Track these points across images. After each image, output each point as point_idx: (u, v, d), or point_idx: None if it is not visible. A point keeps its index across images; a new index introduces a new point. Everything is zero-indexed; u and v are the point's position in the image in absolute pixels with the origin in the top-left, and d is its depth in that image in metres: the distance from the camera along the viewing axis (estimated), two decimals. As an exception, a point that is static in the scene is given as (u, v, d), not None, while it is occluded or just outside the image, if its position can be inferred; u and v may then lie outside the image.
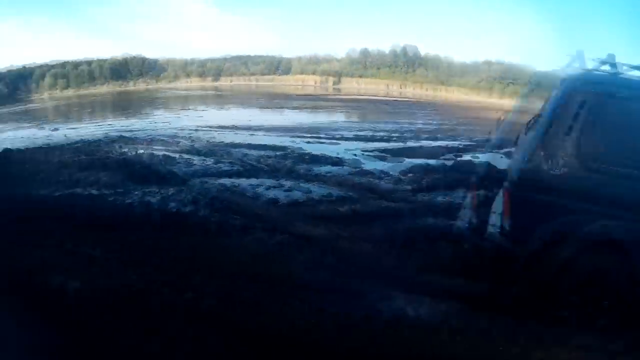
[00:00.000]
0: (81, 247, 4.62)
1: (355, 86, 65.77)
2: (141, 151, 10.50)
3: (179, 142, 12.22)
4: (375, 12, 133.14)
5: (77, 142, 12.31)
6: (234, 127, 15.62)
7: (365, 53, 72.28)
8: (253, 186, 7.65)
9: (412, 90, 58.33)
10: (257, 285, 3.87)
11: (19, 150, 10.35)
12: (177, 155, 10.12)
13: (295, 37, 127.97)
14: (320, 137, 13.82)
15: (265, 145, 11.92)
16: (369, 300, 3.67)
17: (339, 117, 21.80)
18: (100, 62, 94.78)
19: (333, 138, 13.83)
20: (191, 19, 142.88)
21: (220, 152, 10.76)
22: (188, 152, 10.80)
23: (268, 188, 7.56)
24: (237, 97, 43.09)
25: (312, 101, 30.74)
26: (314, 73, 74.62)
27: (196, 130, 14.76)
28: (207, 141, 12.35)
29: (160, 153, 10.31)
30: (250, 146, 11.73)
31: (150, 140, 12.54)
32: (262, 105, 28.29)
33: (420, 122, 19.84)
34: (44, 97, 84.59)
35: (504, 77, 51.29)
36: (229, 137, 13.18)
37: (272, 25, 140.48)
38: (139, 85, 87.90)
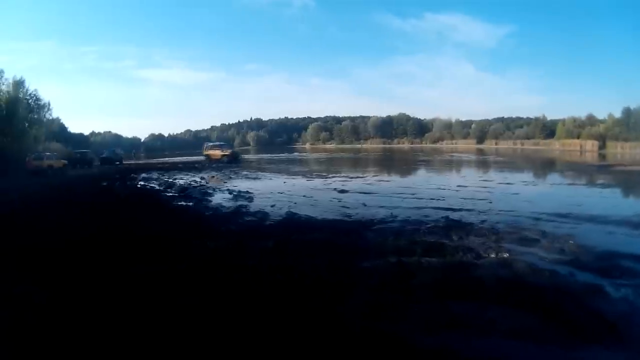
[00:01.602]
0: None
1: (619, 151, 58.09)
2: (495, 255, 7.94)
3: (533, 240, 9.16)
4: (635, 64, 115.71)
5: (388, 220, 11.15)
6: (577, 217, 11.72)
7: (627, 113, 61.06)
8: None
9: None
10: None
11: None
12: (565, 272, 6.99)
13: (558, 95, 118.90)
14: None
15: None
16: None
17: None
18: (365, 119, 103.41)
19: None
20: (460, 81, 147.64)
21: (622, 270, 7.13)
22: (568, 263, 7.55)
23: None
24: (521, 163, 39.96)
25: (604, 173, 27.42)
26: (578, 137, 66.81)
27: (536, 219, 11.50)
28: (577, 245, 8.77)
29: (525, 262, 7.44)
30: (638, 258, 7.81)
31: (491, 231, 9.90)
32: (561, 179, 24.71)
33: None
34: (306, 146, 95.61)
35: None
36: (593, 237, 9.55)
37: (536, 85, 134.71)
38: (402, 144, 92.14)
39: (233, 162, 40.31)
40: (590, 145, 63.57)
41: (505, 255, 7.92)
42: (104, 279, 6.56)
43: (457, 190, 17.78)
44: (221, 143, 53.56)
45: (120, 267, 7.11)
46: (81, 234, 9.79)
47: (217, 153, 43.59)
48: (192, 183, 22.14)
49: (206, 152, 45.48)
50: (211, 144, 50.98)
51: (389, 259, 7.50)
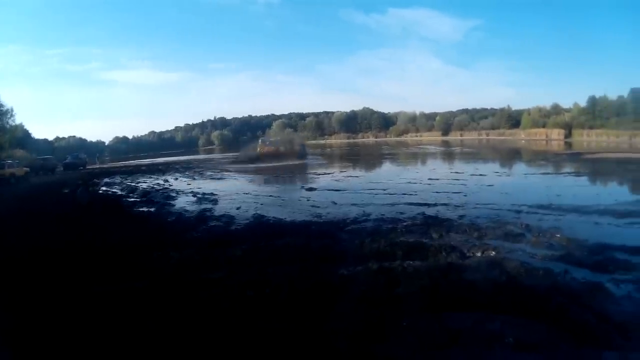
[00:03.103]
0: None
1: (585, 139, 60.24)
2: (481, 253, 7.57)
3: (518, 235, 8.82)
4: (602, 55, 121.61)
5: (361, 219, 10.82)
6: (559, 208, 11.49)
7: (592, 101, 63.69)
8: None
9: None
10: None
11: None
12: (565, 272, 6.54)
13: (523, 87, 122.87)
14: None
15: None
16: None
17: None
18: (329, 114, 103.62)
19: None
20: (426, 74, 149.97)
21: (618, 265, 6.87)
22: (561, 259, 7.22)
23: None
24: (489, 154, 40.67)
25: (575, 161, 28.31)
26: (544, 126, 68.81)
27: (517, 211, 11.25)
28: (566, 238, 8.47)
29: (515, 261, 7.02)
30: (632, 250, 7.59)
31: (472, 227, 9.50)
32: (533, 169, 24.65)
33: None
34: None
35: None
36: (580, 228, 9.36)
37: (503, 77, 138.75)
38: (366, 138, 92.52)
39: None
40: (556, 134, 65.23)
41: (493, 253, 7.52)
42: (55, 300, 5.90)
43: (429, 184, 17.50)
44: (277, 139, 47.09)
45: (75, 287, 6.48)
46: (36, 247, 9.05)
47: (277, 150, 38.82)
48: (155, 186, 21.35)
49: (263, 151, 39.90)
50: (269, 140, 45.14)
51: (370, 264, 6.96)
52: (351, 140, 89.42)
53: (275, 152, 38.55)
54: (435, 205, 12.32)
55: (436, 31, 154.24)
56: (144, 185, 22.02)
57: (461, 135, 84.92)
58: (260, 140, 44.60)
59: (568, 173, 21.06)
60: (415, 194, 14.55)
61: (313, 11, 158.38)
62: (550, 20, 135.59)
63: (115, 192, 20.67)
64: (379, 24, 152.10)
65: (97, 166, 50.02)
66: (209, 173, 28.96)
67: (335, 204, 13.37)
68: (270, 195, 15.84)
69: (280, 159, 34.87)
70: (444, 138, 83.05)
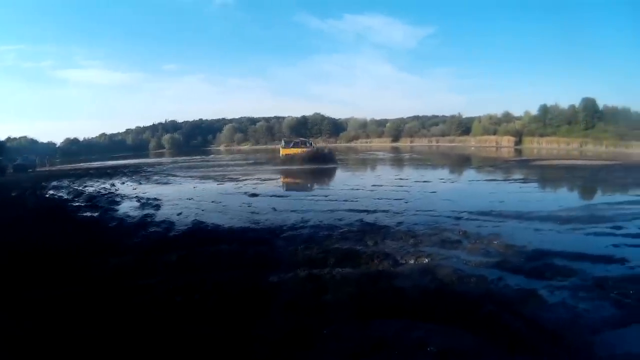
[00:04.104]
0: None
1: (536, 146, 63.59)
2: (414, 261, 7.53)
3: (455, 241, 8.82)
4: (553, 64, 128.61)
5: (299, 226, 10.69)
6: (500, 215, 11.67)
7: (544, 109, 67.26)
8: None
9: (593, 148, 54.82)
10: None
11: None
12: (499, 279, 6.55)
13: (474, 94, 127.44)
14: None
15: (585, 254, 7.78)
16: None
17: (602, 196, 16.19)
18: (280, 119, 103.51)
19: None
20: (378, 80, 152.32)
21: (555, 271, 6.87)
22: (496, 266, 7.20)
23: None
24: (437, 160, 41.37)
25: (523, 168, 29.47)
26: (494, 133, 71.45)
27: (457, 218, 11.35)
28: (504, 244, 8.54)
29: (448, 268, 7.03)
30: (571, 256, 7.65)
31: (409, 233, 9.48)
32: (480, 175, 25.04)
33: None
34: (220, 148, 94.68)
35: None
36: (519, 234, 9.42)
37: (456, 84, 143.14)
38: (316, 143, 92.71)
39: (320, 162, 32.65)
40: (507, 141, 67.69)
41: (426, 260, 7.47)
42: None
43: (372, 191, 17.50)
44: (303, 139, 43.00)
45: (10, 292, 6.38)
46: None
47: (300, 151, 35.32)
48: (101, 191, 20.68)
49: (286, 152, 36.73)
50: (294, 141, 40.85)
51: (299, 272, 6.87)
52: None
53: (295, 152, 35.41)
54: (375, 212, 12.26)
55: (390, 38, 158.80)
56: (91, 190, 21.44)
57: (411, 142, 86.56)
58: (283, 140, 42.62)
59: (514, 180, 21.53)
60: (357, 201, 14.49)
61: (268, 14, 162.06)
62: (504, 29, 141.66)
63: (61, 196, 19.93)
64: (333, 29, 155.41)
65: (47, 169, 48.81)
66: (155, 177, 28.39)
67: (276, 210, 13.16)
68: (212, 201, 15.38)
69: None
70: (394, 144, 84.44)
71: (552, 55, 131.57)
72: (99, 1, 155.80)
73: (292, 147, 36.77)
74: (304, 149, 35.47)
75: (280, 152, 37.60)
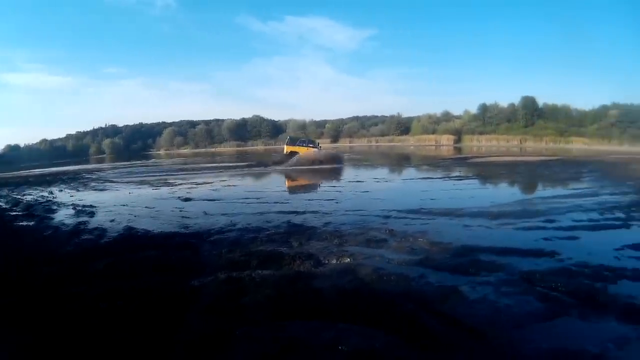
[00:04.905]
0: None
1: (475, 144, 66.12)
2: (336, 261, 7.55)
3: (381, 240, 8.89)
4: (492, 65, 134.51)
5: (226, 230, 10.55)
6: (430, 212, 11.89)
7: (483, 108, 70.53)
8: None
9: (533, 145, 58.27)
10: None
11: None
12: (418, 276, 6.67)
13: (415, 96, 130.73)
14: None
15: (514, 249, 8.01)
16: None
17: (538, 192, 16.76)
18: (219, 122, 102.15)
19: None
20: (319, 82, 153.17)
21: (480, 266, 7.01)
22: (419, 263, 7.30)
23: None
24: (374, 160, 41.65)
25: (460, 165, 30.16)
26: (434, 132, 73.77)
27: (386, 217, 11.43)
28: (429, 242, 8.70)
29: (370, 267, 7.06)
30: (498, 251, 7.87)
31: (335, 234, 9.50)
32: (415, 173, 25.55)
33: (608, 190, 15.75)
34: (161, 152, 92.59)
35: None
36: (447, 231, 9.63)
37: (396, 86, 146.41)
38: (256, 145, 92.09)
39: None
40: (446, 139, 69.66)
41: (348, 260, 7.49)
42: None
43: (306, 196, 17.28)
44: (309, 139, 42.40)
45: None
46: None
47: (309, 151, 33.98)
48: (39, 199, 19.67)
49: (291, 149, 35.03)
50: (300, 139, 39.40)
51: (219, 275, 6.82)
52: (241, 148, 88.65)
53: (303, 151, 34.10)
54: (304, 213, 12.24)
55: (332, 40, 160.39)
56: (29, 198, 20.41)
57: (350, 142, 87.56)
58: (288, 139, 39.71)
59: (448, 177, 22.01)
60: (288, 202, 14.46)
61: (210, 17, 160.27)
62: (445, 30, 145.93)
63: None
64: (275, 31, 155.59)
65: (-15, 178, 45.38)
66: (93, 184, 27.01)
67: (207, 214, 12.91)
68: (146, 207, 14.80)
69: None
70: (333, 145, 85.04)
71: (494, 56, 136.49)
72: (42, 2, 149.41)
73: (297, 145, 35.69)
74: (310, 148, 34.82)
75: (285, 150, 35.97)
